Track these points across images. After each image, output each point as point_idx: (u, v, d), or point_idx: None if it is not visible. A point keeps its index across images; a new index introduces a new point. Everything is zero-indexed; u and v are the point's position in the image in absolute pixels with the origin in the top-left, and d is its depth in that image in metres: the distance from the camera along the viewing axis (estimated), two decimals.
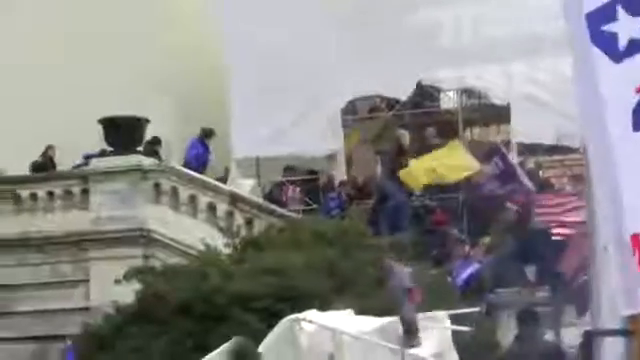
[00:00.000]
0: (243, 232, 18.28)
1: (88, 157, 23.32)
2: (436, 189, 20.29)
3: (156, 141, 24.02)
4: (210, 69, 26.57)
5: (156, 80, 25.79)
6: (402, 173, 20.07)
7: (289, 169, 22.78)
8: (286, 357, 12.95)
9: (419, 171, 20.46)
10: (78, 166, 23.70)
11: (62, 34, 24.55)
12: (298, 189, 21.81)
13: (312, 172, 22.84)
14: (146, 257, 21.39)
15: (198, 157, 24.85)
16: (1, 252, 21.53)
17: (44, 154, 24.89)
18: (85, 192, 22.35)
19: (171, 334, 15.71)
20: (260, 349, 12.92)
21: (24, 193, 22.43)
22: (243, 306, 14.32)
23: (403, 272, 13.92)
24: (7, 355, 20.23)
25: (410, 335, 12.37)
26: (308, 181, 22.50)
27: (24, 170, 23.32)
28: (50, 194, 22.53)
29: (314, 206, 21.32)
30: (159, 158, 23.60)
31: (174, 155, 25.38)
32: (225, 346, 13.30)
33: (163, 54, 25.80)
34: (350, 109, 23.08)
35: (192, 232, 21.32)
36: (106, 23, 24.66)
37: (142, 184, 22.10)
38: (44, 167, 24.66)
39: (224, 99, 25.92)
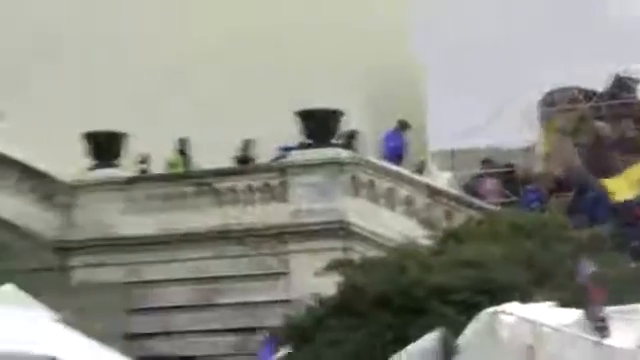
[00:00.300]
0: (442, 224, 18.40)
1: (286, 149, 23.79)
2: None
3: (352, 134, 24.22)
4: (405, 63, 26.79)
5: (352, 73, 26.28)
6: (608, 182, 19.96)
7: (486, 162, 22.85)
8: (486, 349, 12.94)
9: (624, 185, 20.34)
10: (277, 159, 24.09)
11: (254, 28, 25.16)
12: (496, 181, 21.86)
13: (508, 165, 22.89)
14: (345, 250, 21.17)
15: (394, 149, 25.24)
16: (202, 245, 22.11)
17: (244, 148, 25.46)
18: (284, 185, 22.48)
19: (370, 327, 15.94)
20: (459, 341, 13.08)
21: (223, 186, 22.86)
22: (442, 298, 14.43)
23: (587, 269, 13.85)
24: (208, 347, 20.88)
25: (601, 331, 12.31)
26: (505, 174, 22.52)
27: (224, 164, 24.09)
28: (249, 187, 22.84)
29: (513, 199, 21.30)
30: (355, 151, 23.87)
31: (368, 148, 25.56)
32: (426, 338, 13.63)
33: (359, 47, 26.15)
34: (548, 101, 23.06)
35: (390, 225, 21.32)
36: (300, 15, 25.18)
37: (340, 177, 22.14)
38: (244, 160, 25.16)
39: (419, 92, 26.08)
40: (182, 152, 25.46)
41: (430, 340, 14.09)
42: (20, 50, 26.12)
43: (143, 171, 23.80)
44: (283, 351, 15.53)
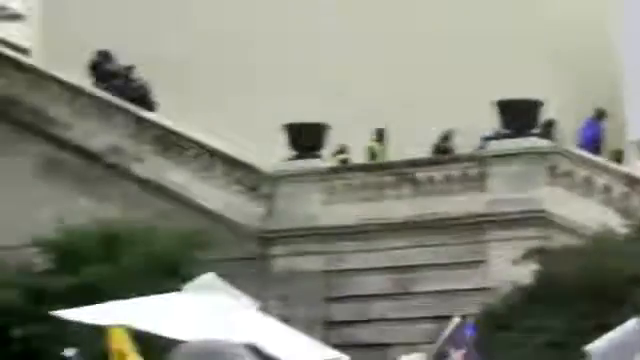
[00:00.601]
0: (639, 213, 18.39)
1: (487, 139, 23.91)
2: None
3: (550, 123, 24.18)
4: (603, 52, 26.53)
5: (549, 63, 26.16)
6: None
7: None
8: None
9: None
10: (478, 148, 24.22)
11: (451, 22, 25.42)
12: None
13: None
14: (542, 238, 21.66)
15: (592, 138, 25.02)
16: (400, 234, 22.55)
17: (444, 138, 25.58)
18: (482, 174, 22.83)
19: (568, 315, 16.07)
20: None
21: (422, 176, 23.15)
22: None
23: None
24: (405, 334, 21.20)
25: None
26: None
27: (420, 155, 24.26)
28: (447, 177, 23.10)
29: None
30: (553, 140, 23.82)
31: (565, 137, 25.46)
32: (627, 325, 13.30)
33: (556, 37, 25.95)
34: None
35: (587, 213, 21.68)
36: (496, 7, 25.31)
37: (538, 166, 22.52)
38: (443, 151, 25.44)
39: (617, 81, 25.77)
40: (380, 142, 25.89)
41: (631, 328, 13.93)
42: (222, 45, 27.09)
43: (343, 161, 24.26)
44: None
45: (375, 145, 24.89)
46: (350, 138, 24.15)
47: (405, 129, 23.94)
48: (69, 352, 20.30)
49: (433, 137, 24.59)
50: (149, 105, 25.28)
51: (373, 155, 24.59)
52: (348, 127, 23.41)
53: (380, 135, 24.69)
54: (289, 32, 27.21)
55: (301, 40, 26.97)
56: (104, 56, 25.84)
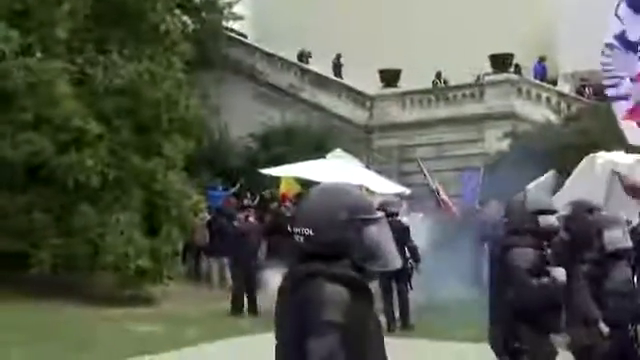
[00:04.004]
0: None
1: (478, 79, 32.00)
2: None
3: (518, 65, 32.20)
4: (543, 10, 33.88)
5: (515, 26, 33.58)
6: None
7: None
8: (585, 179, 14.99)
9: None
10: (476, 80, 32.79)
11: None
12: None
13: None
14: (513, 126, 29.12)
15: (540, 72, 33.42)
16: None
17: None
18: (481, 92, 31.71)
19: (534, 168, 17.98)
20: (567, 180, 15.70)
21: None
22: None
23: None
24: None
25: None
26: None
27: None
28: (461, 94, 32.19)
29: None
30: (519, 74, 31.82)
31: (525, 72, 32.96)
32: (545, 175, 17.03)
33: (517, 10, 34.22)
34: None
35: (537, 114, 29.38)
36: None
37: (511, 88, 30.92)
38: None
39: (552, 30, 33.85)
40: None
41: (546, 177, 17.33)
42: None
43: None
44: None
45: None
46: None
47: None
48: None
49: None
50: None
51: None
52: None
53: None
54: None
55: None
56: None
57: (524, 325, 7.68)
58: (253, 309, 19.71)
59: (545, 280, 7.64)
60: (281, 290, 4.74)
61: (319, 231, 4.60)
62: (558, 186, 15.76)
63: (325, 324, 4.43)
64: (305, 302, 4.51)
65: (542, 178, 16.84)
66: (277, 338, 4.72)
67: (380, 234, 4.68)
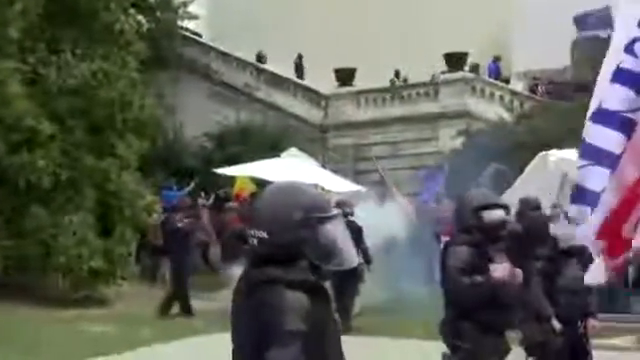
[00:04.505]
0: None
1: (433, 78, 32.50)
2: None
3: (474, 64, 32.78)
4: (500, 12, 35.29)
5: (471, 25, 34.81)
6: None
7: None
8: (538, 177, 15.72)
9: None
10: (432, 79, 33.08)
11: None
12: None
13: None
14: (467, 124, 29.65)
15: (494, 71, 33.88)
16: None
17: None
18: (436, 92, 32.25)
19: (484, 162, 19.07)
20: (520, 177, 16.59)
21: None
22: None
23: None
24: None
25: None
26: None
27: None
28: (416, 93, 32.62)
29: None
30: (475, 73, 32.19)
31: (480, 71, 33.47)
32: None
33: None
34: None
35: (490, 112, 29.69)
36: None
37: (466, 86, 31.31)
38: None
39: (509, 31, 35.37)
40: None
41: (487, 171, 18.34)
42: None
43: None
44: None
45: None
46: None
47: None
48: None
49: None
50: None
51: None
52: None
53: None
54: None
55: None
56: None
57: (466, 323, 7.74)
58: (187, 309, 19.68)
59: (478, 278, 7.63)
60: (237, 292, 4.67)
61: (273, 234, 4.51)
62: (507, 181, 16.21)
63: (287, 334, 4.35)
64: (263, 307, 4.42)
65: (484, 173, 17.57)
66: (233, 341, 4.65)
67: (336, 232, 4.59)
